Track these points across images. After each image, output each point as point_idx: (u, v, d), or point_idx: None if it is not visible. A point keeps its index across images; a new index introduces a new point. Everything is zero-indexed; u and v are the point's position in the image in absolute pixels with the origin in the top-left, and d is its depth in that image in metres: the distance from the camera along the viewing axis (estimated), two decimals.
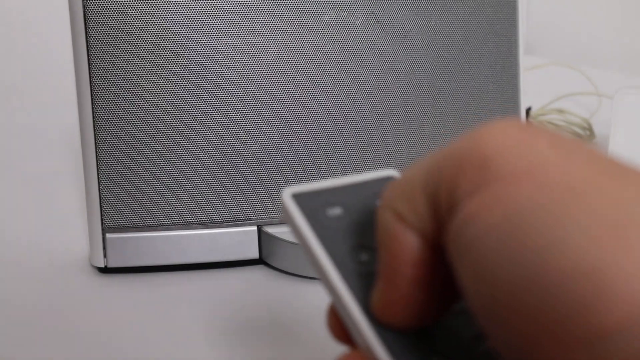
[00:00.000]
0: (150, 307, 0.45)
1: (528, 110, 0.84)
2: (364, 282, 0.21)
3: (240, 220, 0.49)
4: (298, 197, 0.23)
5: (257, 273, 0.49)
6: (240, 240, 0.49)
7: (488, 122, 0.19)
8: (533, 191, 0.17)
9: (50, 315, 0.44)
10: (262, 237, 0.49)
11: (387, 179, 0.24)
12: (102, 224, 0.48)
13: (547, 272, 0.16)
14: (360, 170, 0.51)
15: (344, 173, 0.50)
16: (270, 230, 0.49)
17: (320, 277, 0.22)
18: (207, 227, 0.48)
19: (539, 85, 0.93)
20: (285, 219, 0.24)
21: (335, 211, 0.23)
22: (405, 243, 0.20)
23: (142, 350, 0.41)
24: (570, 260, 0.16)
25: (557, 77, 0.99)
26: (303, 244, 0.23)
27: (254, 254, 0.49)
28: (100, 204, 0.47)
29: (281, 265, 0.49)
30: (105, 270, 0.49)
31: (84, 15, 0.45)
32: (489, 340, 0.19)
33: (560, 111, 0.86)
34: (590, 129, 0.82)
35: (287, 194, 0.23)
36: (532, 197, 0.17)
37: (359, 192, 0.24)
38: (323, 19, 0.49)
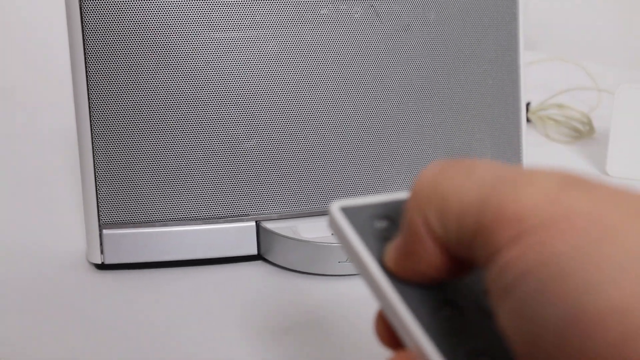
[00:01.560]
0: (147, 303, 0.45)
1: (527, 105, 0.84)
2: (411, 289, 0.23)
3: (238, 216, 0.49)
4: (346, 211, 0.25)
5: (256, 269, 0.49)
6: (238, 236, 0.49)
7: (523, 172, 0.20)
8: (568, 236, 0.18)
9: (47, 312, 0.44)
10: (261, 233, 0.49)
11: None
12: (99, 220, 0.47)
13: (586, 312, 0.17)
14: (358, 159, 0.50)
15: (345, 165, 0.50)
16: (269, 225, 0.48)
17: (371, 286, 0.24)
18: (205, 223, 0.48)
19: (539, 80, 0.92)
20: (335, 231, 0.25)
21: (382, 224, 0.25)
22: (426, 247, 0.22)
23: (139, 346, 0.40)
24: (607, 299, 0.17)
25: (556, 72, 0.98)
26: (352, 254, 0.24)
27: (252, 249, 0.49)
28: (97, 200, 0.47)
29: (280, 261, 0.49)
30: (102, 267, 0.49)
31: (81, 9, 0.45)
32: None
33: (560, 106, 0.85)
34: (589, 123, 0.82)
35: (335, 207, 0.25)
36: (567, 241, 0.18)
37: (401, 208, 0.25)
38: (322, 12, 0.48)
